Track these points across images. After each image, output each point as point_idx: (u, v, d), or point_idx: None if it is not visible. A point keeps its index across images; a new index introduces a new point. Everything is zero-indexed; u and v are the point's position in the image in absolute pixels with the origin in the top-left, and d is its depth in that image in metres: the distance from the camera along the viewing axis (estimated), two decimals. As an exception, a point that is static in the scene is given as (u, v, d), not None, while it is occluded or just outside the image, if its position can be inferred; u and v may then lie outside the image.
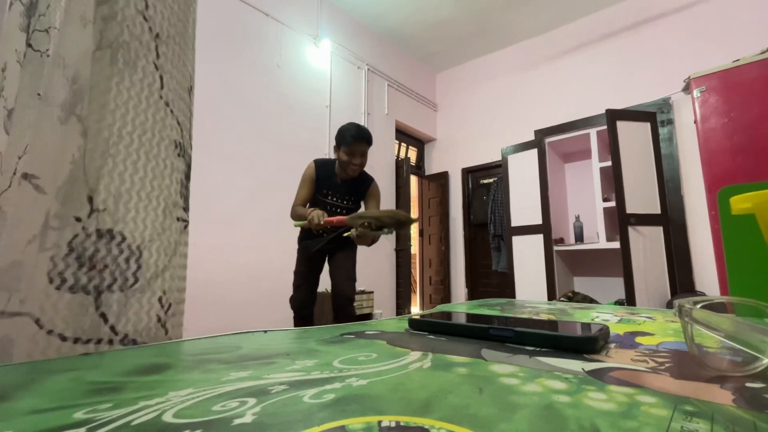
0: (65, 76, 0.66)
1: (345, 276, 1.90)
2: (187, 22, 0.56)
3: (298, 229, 1.90)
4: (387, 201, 4.30)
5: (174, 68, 0.50)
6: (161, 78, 0.47)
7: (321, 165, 1.84)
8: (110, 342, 0.40)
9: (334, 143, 1.82)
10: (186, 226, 0.50)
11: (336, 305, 1.88)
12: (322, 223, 1.56)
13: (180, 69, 0.52)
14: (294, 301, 1.94)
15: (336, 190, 1.85)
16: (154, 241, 0.44)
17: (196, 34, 0.58)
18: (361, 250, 3.96)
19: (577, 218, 3.76)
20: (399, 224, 1.51)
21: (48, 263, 0.39)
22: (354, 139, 1.74)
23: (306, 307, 1.94)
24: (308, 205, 1.85)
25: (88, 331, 0.39)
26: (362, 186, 1.89)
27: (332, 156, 2.17)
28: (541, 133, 3.92)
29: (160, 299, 0.44)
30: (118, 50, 0.47)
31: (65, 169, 0.58)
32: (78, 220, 0.40)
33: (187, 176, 0.51)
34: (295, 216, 1.77)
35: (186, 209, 0.51)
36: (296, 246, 1.97)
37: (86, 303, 0.39)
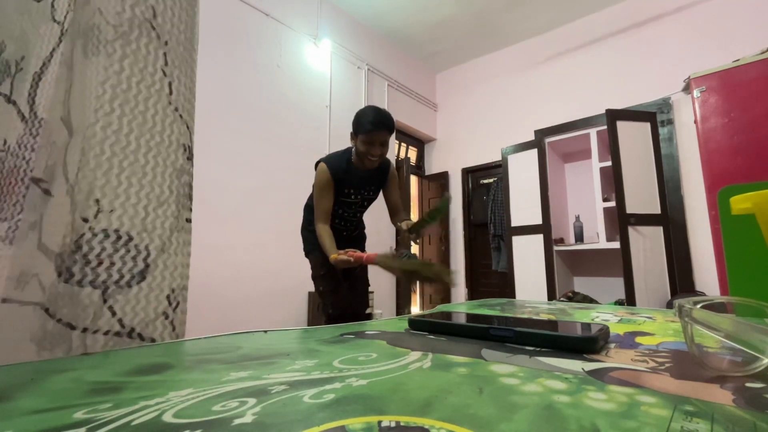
0: None
1: (365, 290, 1.87)
2: (192, 28, 0.57)
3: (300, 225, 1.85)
4: (387, 201, 4.30)
5: (182, 74, 0.52)
6: (170, 84, 0.49)
7: (333, 166, 1.60)
8: (117, 334, 0.41)
9: (351, 133, 1.61)
10: (189, 224, 0.52)
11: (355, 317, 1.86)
12: (352, 262, 1.44)
13: (187, 74, 0.53)
14: (336, 306, 1.67)
15: (356, 185, 1.66)
16: (163, 242, 0.47)
17: (198, 38, 0.59)
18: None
19: (577, 218, 3.76)
20: (433, 280, 1.31)
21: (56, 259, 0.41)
22: (373, 125, 1.49)
23: (350, 307, 1.73)
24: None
25: (97, 322, 0.41)
26: (381, 172, 1.70)
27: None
28: (541, 133, 3.92)
29: (168, 297, 0.46)
30: (125, 58, 0.49)
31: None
32: (85, 220, 0.42)
33: (191, 177, 0.53)
34: (321, 245, 1.61)
35: (191, 209, 0.52)
36: (300, 246, 1.82)
37: (94, 296, 0.41)
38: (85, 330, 0.40)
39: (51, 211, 0.45)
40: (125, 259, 0.43)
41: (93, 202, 0.43)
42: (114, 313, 0.42)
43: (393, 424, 0.16)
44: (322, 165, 1.61)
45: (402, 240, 1.76)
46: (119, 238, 0.43)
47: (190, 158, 0.51)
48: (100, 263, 0.42)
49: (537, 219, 3.59)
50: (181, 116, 0.50)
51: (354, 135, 1.58)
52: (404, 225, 1.61)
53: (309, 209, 1.78)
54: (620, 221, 2.94)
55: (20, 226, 0.50)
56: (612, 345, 0.33)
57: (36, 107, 0.57)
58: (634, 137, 3.12)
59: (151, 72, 0.49)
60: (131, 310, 0.43)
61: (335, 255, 1.52)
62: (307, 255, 1.80)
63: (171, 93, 0.49)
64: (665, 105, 3.41)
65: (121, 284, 0.43)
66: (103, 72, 0.47)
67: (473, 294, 4.55)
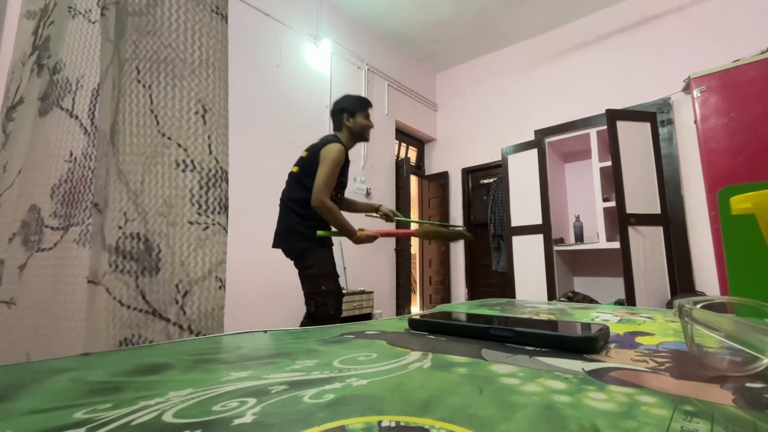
0: (47, 65, 0.69)
1: None
2: (218, 53, 0.62)
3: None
4: (387, 201, 4.29)
5: (172, 99, 0.61)
6: (156, 116, 0.60)
7: (345, 146, 1.71)
8: (145, 312, 0.55)
9: (345, 114, 1.77)
10: (206, 228, 0.61)
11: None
12: (378, 237, 1.69)
13: (184, 99, 0.62)
14: (337, 306, 1.67)
15: (347, 167, 1.79)
16: (168, 242, 0.58)
17: (228, 64, 0.64)
18: (363, 249, 3.95)
19: (577, 218, 3.76)
20: (455, 239, 1.97)
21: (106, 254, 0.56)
22: (368, 102, 1.83)
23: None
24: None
25: (134, 302, 0.55)
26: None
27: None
28: (541, 133, 3.92)
29: (176, 286, 0.57)
30: (124, 95, 0.59)
31: (60, 166, 0.64)
32: (119, 227, 0.57)
33: (203, 186, 0.62)
34: (334, 221, 1.59)
35: (201, 214, 0.62)
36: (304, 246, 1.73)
37: (129, 281, 0.56)
38: (128, 307, 0.54)
39: (108, 215, 0.56)
40: (144, 255, 0.56)
41: (122, 214, 0.57)
42: (144, 296, 0.55)
43: (393, 424, 0.16)
44: (341, 147, 1.67)
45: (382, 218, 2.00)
46: (139, 239, 0.57)
47: (186, 171, 0.60)
48: (131, 258, 0.56)
49: (537, 219, 3.59)
50: (169, 138, 0.60)
51: (352, 114, 1.74)
52: (387, 210, 1.98)
53: (302, 203, 1.65)
54: (620, 221, 2.95)
55: (90, 229, 0.62)
56: (612, 345, 0.33)
57: (96, 120, 0.62)
58: (634, 137, 3.12)
59: (137, 112, 0.60)
60: (153, 294, 0.56)
61: (362, 231, 1.64)
62: (304, 252, 1.66)
63: (158, 123, 0.60)
64: (665, 105, 3.41)
65: (144, 274, 0.56)
66: (147, 100, 0.58)
67: (473, 294, 4.55)
